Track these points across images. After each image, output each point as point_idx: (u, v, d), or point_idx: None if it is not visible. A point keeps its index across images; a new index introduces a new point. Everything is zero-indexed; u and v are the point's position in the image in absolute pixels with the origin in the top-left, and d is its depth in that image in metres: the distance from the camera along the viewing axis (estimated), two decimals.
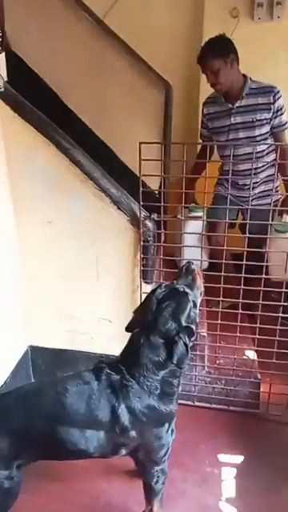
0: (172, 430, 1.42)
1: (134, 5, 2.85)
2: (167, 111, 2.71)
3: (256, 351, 2.11)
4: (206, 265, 2.18)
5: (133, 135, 2.34)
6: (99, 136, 2.93)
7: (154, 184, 2.31)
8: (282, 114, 2.29)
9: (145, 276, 1.92)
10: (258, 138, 2.30)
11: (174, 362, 1.27)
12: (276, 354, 1.92)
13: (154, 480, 1.43)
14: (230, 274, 1.93)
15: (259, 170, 2.38)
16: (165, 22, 2.85)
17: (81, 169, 1.78)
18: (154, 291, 1.37)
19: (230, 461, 1.82)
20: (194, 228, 2.12)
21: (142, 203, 1.80)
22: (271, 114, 2.27)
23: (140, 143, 1.72)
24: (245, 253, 1.84)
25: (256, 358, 2.13)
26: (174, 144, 2.04)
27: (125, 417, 1.29)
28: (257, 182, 2.39)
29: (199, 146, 2.42)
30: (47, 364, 2.16)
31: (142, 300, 1.42)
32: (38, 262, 1.99)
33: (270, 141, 2.34)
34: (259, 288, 1.86)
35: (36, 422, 1.29)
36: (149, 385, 1.31)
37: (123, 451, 1.38)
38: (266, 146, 2.33)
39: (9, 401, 1.37)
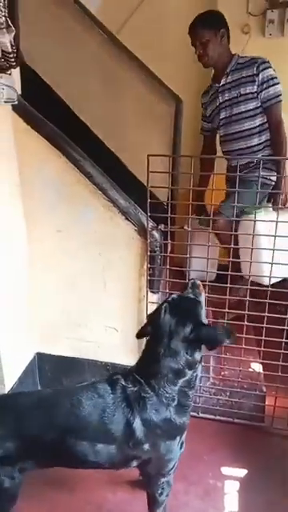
0: (182, 443, 1.41)
1: (146, 21, 2.91)
2: (177, 125, 2.76)
3: (261, 364, 2.10)
4: (213, 276, 2.18)
5: (143, 148, 2.38)
6: (110, 148, 2.99)
7: (163, 195, 2.34)
8: (269, 87, 2.14)
9: (151, 286, 1.94)
10: (244, 115, 2.19)
11: (205, 343, 1.28)
12: (281, 368, 1.91)
13: (159, 492, 1.42)
14: (236, 286, 1.94)
15: (255, 150, 2.25)
16: (176, 37, 2.88)
17: (90, 180, 1.83)
18: (166, 300, 1.39)
19: (233, 474, 1.80)
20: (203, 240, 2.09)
21: (149, 214, 1.83)
22: (256, 87, 2.14)
23: (148, 156, 1.76)
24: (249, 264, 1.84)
25: (261, 371, 2.12)
26: (182, 156, 2.07)
27: (140, 430, 1.28)
28: (252, 163, 2.23)
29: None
30: (54, 371, 2.19)
31: (154, 309, 1.41)
32: (46, 270, 2.03)
33: (261, 117, 2.20)
34: (265, 300, 1.87)
35: (48, 430, 1.28)
36: (167, 396, 1.29)
37: (134, 463, 1.37)
38: (257, 122, 2.20)
39: (25, 402, 1.37)
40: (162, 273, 2.00)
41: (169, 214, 1.86)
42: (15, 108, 1.77)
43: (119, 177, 2.09)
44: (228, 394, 2.09)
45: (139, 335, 1.41)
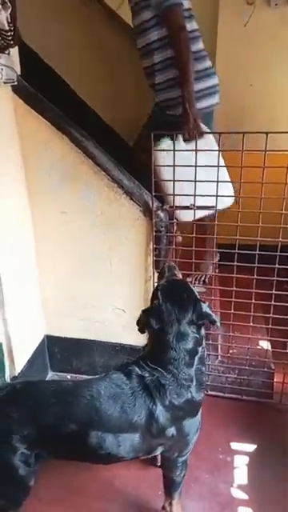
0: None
1: None
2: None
3: (269, 341, 2.10)
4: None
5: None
6: (110, 124, 2.98)
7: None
8: None
9: (158, 266, 1.93)
10: (141, 27, 1.98)
11: (207, 319, 1.31)
12: None
13: (178, 473, 1.44)
14: (243, 264, 1.92)
15: (156, 69, 2.03)
16: None
17: (93, 160, 1.81)
18: (157, 289, 1.40)
19: (243, 449, 1.83)
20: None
21: (154, 194, 1.81)
22: None
23: (153, 133, 1.73)
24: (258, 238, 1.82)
25: (270, 348, 2.13)
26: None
27: (163, 417, 1.28)
28: (156, 84, 2.09)
29: None
30: (63, 353, 2.22)
31: (151, 301, 1.41)
32: (52, 251, 2.03)
33: (158, 29, 1.93)
34: (272, 278, 1.86)
35: (67, 422, 1.27)
36: (187, 378, 1.31)
37: (158, 451, 1.38)
38: (153, 36, 1.96)
39: (44, 390, 1.35)
40: (168, 253, 1.99)
41: (173, 193, 1.84)
42: (15, 89, 1.74)
43: (119, 152, 2.07)
44: (236, 371, 2.11)
45: (142, 330, 1.39)
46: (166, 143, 1.86)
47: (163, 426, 1.29)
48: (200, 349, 1.33)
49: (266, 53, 2.76)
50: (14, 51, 1.72)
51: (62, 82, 2.93)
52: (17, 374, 1.92)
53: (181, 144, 1.89)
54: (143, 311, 1.37)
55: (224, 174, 1.85)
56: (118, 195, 1.84)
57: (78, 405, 1.28)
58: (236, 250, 1.86)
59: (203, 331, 1.35)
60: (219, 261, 2.25)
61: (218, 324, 1.37)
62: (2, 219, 1.72)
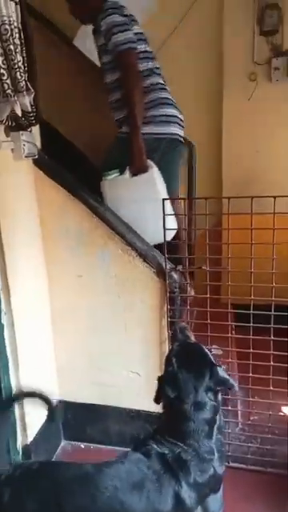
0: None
1: None
2: (190, 168, 2.84)
3: None
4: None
5: None
6: None
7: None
8: (112, 35, 2.02)
9: (172, 327, 1.92)
10: (104, 68, 2.19)
11: (224, 385, 1.28)
12: None
13: None
14: (259, 325, 1.89)
15: (114, 106, 2.23)
16: (187, 87, 3.04)
17: (108, 225, 1.88)
18: (170, 354, 1.37)
19: None
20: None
21: (167, 255, 1.85)
22: (103, 39, 2.07)
23: (163, 199, 1.81)
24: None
25: None
26: (197, 199, 2.12)
27: (189, 498, 1.19)
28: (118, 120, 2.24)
29: None
30: (76, 418, 2.15)
31: (165, 368, 1.37)
32: (67, 314, 2.05)
33: (115, 71, 2.13)
34: None
35: None
36: (208, 451, 1.23)
37: None
38: (112, 76, 2.16)
39: (68, 475, 1.20)
40: (182, 314, 1.99)
41: (186, 255, 1.88)
42: (35, 161, 1.88)
43: None
44: (259, 440, 1.99)
45: (158, 399, 1.34)
46: (112, 175, 2.00)
47: (191, 508, 1.19)
48: (218, 417, 1.28)
49: (270, 123, 2.94)
50: (35, 128, 1.88)
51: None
52: (29, 442, 1.85)
53: (125, 177, 2.02)
54: (159, 378, 1.33)
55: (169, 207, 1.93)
56: (132, 258, 1.89)
57: (102, 499, 1.14)
58: (251, 311, 1.85)
59: (220, 397, 1.30)
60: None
61: (236, 388, 1.33)
62: (19, 283, 1.77)
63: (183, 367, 1.28)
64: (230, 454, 1.98)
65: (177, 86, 3.04)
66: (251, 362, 1.89)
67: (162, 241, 1.82)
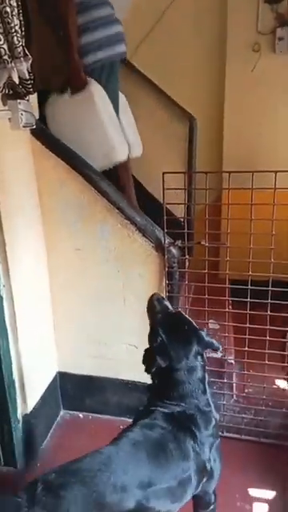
0: None
1: (158, 44, 3.00)
2: (191, 141, 2.80)
3: (287, 380, 2.05)
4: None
5: (159, 166, 2.42)
6: None
7: (180, 212, 2.36)
8: None
9: (171, 302, 1.92)
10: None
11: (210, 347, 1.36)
12: None
13: (212, 507, 1.42)
14: (257, 300, 1.91)
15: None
16: (188, 59, 2.97)
17: (107, 198, 1.86)
18: (155, 324, 1.42)
19: (262, 496, 1.74)
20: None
21: (166, 230, 1.84)
22: None
23: (163, 173, 1.78)
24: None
25: (287, 388, 2.06)
26: (197, 173, 2.09)
27: (203, 448, 1.28)
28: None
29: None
30: (75, 390, 2.19)
31: (152, 340, 1.39)
32: (65, 288, 2.05)
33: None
34: (286, 314, 1.84)
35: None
36: (206, 404, 1.33)
37: (199, 488, 1.32)
38: None
39: (92, 465, 1.13)
40: (180, 289, 2.00)
41: (185, 230, 1.87)
42: (33, 132, 1.83)
43: (137, 195, 2.13)
44: (253, 412, 2.04)
45: (149, 369, 1.36)
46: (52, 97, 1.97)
47: (204, 460, 1.28)
48: (205, 372, 1.36)
49: (274, 95, 2.87)
50: (33, 97, 1.82)
51: None
52: (29, 412, 1.89)
53: (65, 97, 2.01)
54: (147, 350, 1.38)
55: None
56: (131, 232, 1.88)
57: (133, 471, 1.15)
58: (249, 286, 1.86)
59: (205, 356, 1.38)
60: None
61: (221, 349, 1.42)
62: (17, 255, 1.76)
63: (171, 336, 1.34)
64: (224, 424, 2.04)
65: (177, 58, 2.99)
66: (247, 336, 1.92)
67: (108, 167, 1.83)
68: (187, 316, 1.43)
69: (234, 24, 2.80)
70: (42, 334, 2.04)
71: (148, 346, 1.40)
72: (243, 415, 2.04)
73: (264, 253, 1.81)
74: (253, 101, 2.89)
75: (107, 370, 2.11)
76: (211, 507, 1.43)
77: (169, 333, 1.34)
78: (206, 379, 1.36)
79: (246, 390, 2.09)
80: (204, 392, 1.34)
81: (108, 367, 2.11)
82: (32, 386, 1.92)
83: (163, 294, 1.92)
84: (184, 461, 1.23)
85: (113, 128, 2.04)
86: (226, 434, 2.03)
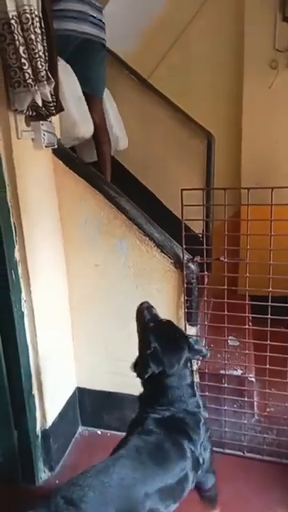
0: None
1: (176, 63, 3.06)
2: (209, 158, 2.81)
3: None
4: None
5: (177, 183, 2.44)
6: (146, 186, 3.08)
7: (199, 228, 2.36)
8: None
9: (189, 318, 1.93)
10: None
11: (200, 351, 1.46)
12: None
13: (215, 490, 1.52)
14: (277, 317, 1.88)
15: None
16: (206, 77, 3.01)
17: (126, 215, 1.89)
18: (147, 332, 1.46)
19: None
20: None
21: (184, 246, 1.85)
22: None
23: (182, 190, 1.80)
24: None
25: None
26: (215, 189, 2.10)
27: (197, 448, 1.38)
28: None
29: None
30: (94, 406, 2.19)
31: (144, 347, 1.46)
32: (85, 303, 2.07)
33: None
34: None
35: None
36: (195, 405, 1.43)
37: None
38: None
39: (104, 480, 1.17)
40: (199, 305, 1.99)
41: (204, 246, 1.87)
42: (55, 151, 1.89)
43: (153, 211, 2.14)
44: (275, 432, 1.99)
45: (142, 375, 1.39)
46: None
47: (199, 455, 1.38)
48: (194, 378, 1.48)
49: None
50: (55, 118, 1.88)
51: None
52: (48, 427, 1.90)
53: None
54: (141, 356, 1.43)
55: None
56: (150, 248, 1.90)
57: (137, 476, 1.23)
58: (269, 303, 1.83)
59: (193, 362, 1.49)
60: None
61: (208, 355, 1.50)
62: (38, 271, 1.79)
63: (164, 344, 1.39)
64: (245, 444, 1.99)
65: (195, 76, 3.04)
66: (268, 353, 1.89)
67: (72, 143, 1.91)
68: (178, 325, 1.52)
69: (251, 41, 2.84)
70: (62, 350, 2.06)
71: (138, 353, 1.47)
72: (265, 435, 1.99)
73: (284, 268, 1.79)
74: (270, 117, 2.90)
75: (126, 386, 2.10)
76: (213, 491, 1.52)
77: (161, 340, 1.40)
78: (195, 383, 1.46)
79: (268, 409, 2.04)
80: (193, 395, 1.43)
81: (127, 384, 2.09)
82: (51, 402, 1.92)
83: (181, 310, 1.93)
84: (182, 460, 1.32)
85: (73, 104, 2.06)
86: (246, 455, 1.99)
